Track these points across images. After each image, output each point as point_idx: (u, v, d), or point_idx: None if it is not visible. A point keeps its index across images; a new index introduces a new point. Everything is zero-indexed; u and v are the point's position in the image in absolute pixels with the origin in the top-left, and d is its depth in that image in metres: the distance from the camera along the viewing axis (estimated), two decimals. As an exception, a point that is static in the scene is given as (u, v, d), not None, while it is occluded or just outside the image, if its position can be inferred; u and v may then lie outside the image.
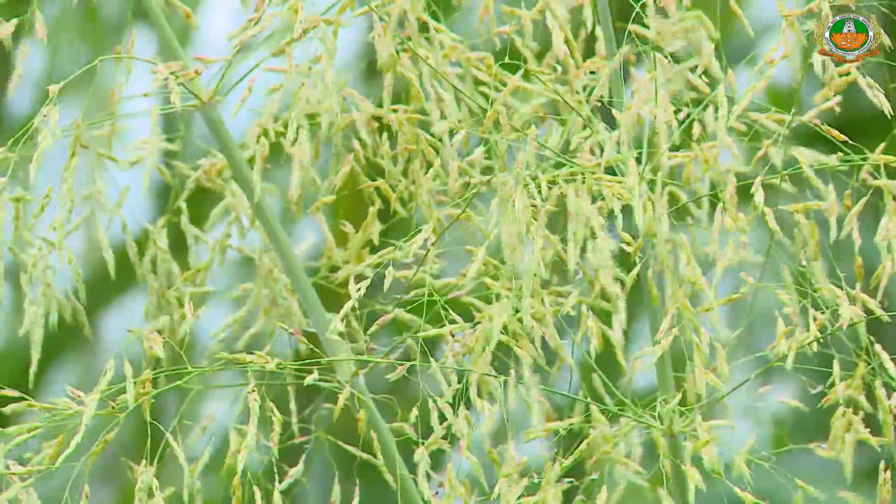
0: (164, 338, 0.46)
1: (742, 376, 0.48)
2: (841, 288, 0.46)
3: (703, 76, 0.48)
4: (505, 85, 0.48)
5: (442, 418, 0.46)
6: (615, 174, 0.45)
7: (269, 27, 0.48)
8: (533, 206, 0.43)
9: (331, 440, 0.53)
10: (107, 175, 0.51)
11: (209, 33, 1.22)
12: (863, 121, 0.62)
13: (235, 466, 0.45)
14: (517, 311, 0.46)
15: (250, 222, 0.54)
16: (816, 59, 0.49)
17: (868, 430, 0.46)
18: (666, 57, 0.47)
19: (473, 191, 0.48)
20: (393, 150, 0.50)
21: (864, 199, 0.47)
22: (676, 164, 0.48)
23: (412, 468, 0.47)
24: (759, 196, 0.46)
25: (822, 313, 0.46)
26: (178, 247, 0.56)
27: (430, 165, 0.49)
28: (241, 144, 0.50)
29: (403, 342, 0.48)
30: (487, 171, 0.49)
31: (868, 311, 0.46)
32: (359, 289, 0.46)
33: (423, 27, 0.48)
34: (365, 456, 0.50)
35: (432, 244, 0.47)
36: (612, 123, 0.47)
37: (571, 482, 0.48)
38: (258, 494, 0.45)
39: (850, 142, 0.47)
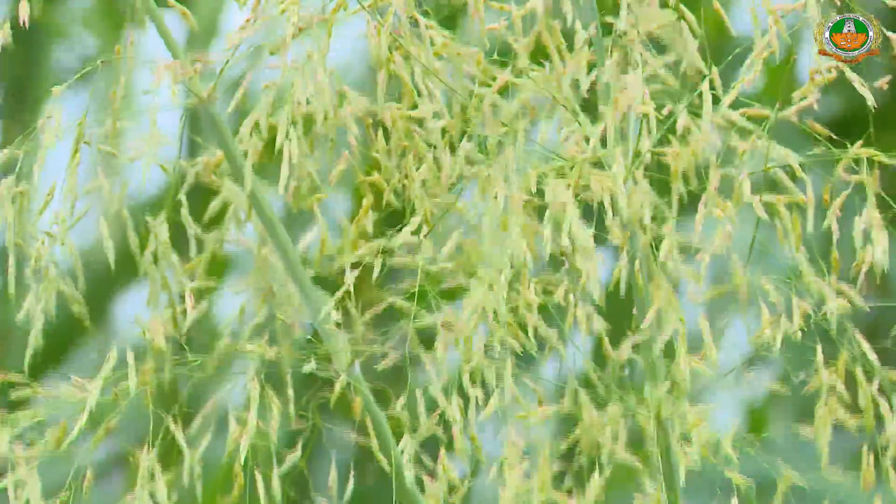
0: (174, 327, 0.47)
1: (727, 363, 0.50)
2: (824, 279, 0.47)
3: (687, 71, 0.50)
4: (495, 80, 0.49)
5: (434, 406, 0.47)
6: (602, 168, 0.47)
7: (268, 26, 0.50)
8: (517, 196, 0.44)
9: (326, 426, 0.55)
10: (117, 170, 0.52)
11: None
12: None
13: (237, 452, 0.47)
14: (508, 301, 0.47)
15: (247, 216, 0.55)
16: (806, 54, 0.50)
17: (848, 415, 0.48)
18: (650, 51, 0.48)
19: (460, 182, 0.49)
20: (387, 145, 0.52)
21: (844, 193, 0.48)
22: (663, 158, 0.49)
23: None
24: (745, 186, 0.47)
25: (807, 302, 0.47)
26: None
27: (422, 160, 0.51)
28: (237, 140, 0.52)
29: (398, 331, 0.49)
30: (476, 163, 0.51)
31: (850, 302, 0.48)
32: (353, 277, 0.48)
33: (415, 25, 0.49)
34: (360, 441, 0.51)
35: (425, 235, 0.49)
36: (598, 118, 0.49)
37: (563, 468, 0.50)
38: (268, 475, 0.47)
39: (833, 137, 0.48)
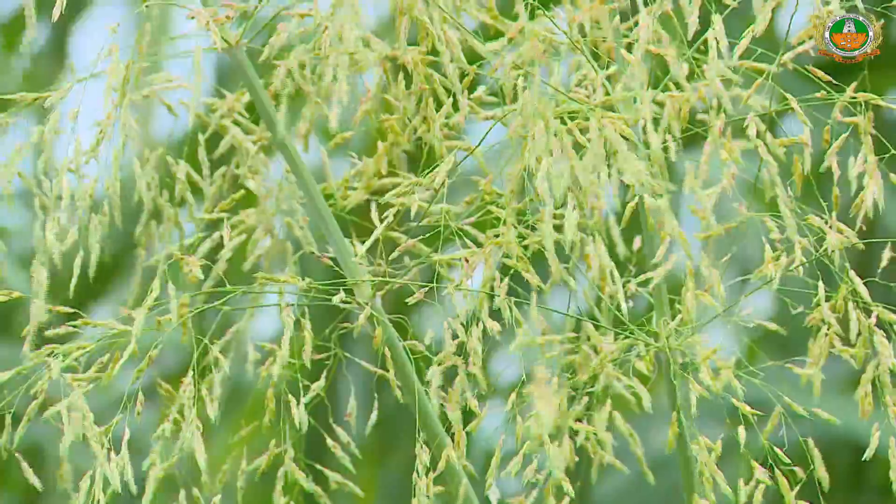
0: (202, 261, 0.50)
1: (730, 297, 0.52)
2: (824, 219, 0.50)
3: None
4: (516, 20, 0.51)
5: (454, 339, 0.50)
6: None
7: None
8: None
9: (347, 357, 0.57)
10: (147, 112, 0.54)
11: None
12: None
13: (268, 380, 0.50)
14: (522, 238, 0.50)
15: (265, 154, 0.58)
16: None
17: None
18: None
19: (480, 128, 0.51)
20: (408, 89, 0.53)
21: (843, 136, 0.50)
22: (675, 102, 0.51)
23: (427, 385, 0.51)
24: (751, 129, 0.50)
25: (807, 238, 0.50)
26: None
27: (441, 104, 0.53)
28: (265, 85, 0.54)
29: (420, 264, 0.52)
30: (492, 106, 0.53)
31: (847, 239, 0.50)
32: (385, 216, 0.50)
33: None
34: (379, 371, 0.53)
35: (443, 182, 0.51)
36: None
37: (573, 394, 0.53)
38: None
39: (833, 81, 0.50)
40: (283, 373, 0.50)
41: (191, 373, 0.47)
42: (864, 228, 0.50)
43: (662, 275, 0.51)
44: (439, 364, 0.50)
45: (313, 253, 0.54)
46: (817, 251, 0.50)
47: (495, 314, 0.50)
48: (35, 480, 0.49)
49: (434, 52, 0.51)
